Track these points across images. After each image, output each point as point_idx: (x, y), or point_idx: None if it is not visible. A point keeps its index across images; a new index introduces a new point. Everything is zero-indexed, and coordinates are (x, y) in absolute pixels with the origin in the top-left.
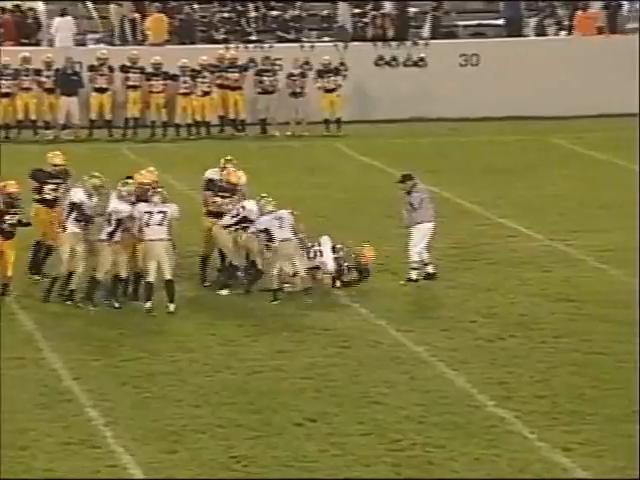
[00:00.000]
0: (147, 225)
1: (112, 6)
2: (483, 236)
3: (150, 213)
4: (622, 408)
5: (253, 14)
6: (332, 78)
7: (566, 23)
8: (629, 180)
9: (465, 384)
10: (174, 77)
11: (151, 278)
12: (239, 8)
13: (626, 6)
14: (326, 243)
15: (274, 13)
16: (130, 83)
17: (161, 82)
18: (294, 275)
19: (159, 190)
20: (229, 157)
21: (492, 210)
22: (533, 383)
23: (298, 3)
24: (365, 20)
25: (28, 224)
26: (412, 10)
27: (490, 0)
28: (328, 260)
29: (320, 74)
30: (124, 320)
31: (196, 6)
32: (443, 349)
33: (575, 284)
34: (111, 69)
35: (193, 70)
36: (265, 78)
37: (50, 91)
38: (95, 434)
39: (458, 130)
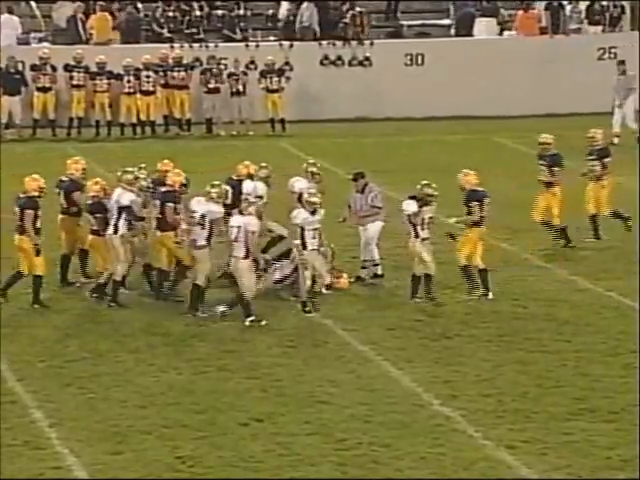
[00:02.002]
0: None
1: (55, 5)
2: None
3: (238, 228)
4: (565, 406)
5: (198, 13)
6: (275, 79)
7: (509, 23)
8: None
9: (410, 383)
10: (118, 76)
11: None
12: (184, 7)
13: (568, 7)
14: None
15: (219, 12)
16: (74, 82)
17: (105, 81)
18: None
19: (252, 201)
20: (311, 160)
21: (436, 209)
22: (478, 382)
23: (242, 2)
24: (345, 20)
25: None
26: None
27: (438, 0)
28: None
29: (263, 74)
30: (68, 321)
31: (140, 5)
32: (389, 348)
33: (519, 283)
34: (54, 68)
35: (137, 69)
36: (211, 77)
37: None
38: (40, 436)
39: (403, 130)
